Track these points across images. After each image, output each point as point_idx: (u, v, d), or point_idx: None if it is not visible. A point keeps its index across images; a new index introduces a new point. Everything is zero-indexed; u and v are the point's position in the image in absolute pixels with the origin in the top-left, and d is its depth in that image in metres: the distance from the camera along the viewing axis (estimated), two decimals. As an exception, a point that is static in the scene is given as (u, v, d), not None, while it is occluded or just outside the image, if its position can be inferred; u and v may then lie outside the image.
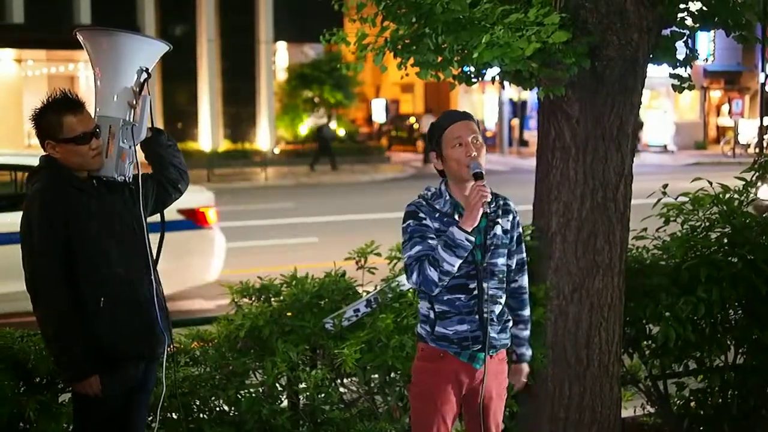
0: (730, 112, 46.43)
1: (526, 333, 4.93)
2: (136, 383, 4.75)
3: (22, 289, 4.54)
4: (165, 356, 4.84)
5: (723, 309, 6.57)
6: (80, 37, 4.78)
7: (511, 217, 4.71)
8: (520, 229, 4.81)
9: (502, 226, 4.64)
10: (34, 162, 4.77)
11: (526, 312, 4.91)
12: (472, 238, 4.39)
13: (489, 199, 4.41)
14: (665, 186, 6.81)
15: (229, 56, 37.74)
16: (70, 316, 4.45)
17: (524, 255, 4.84)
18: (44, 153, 4.66)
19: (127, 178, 4.72)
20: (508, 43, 5.08)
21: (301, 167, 35.60)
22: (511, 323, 4.78)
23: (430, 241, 4.45)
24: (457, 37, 5.25)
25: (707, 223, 6.80)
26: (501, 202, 4.69)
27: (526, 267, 4.87)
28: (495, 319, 4.62)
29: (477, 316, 4.55)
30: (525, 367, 4.99)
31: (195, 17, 37.07)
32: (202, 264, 11.95)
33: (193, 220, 11.62)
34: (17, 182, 11.03)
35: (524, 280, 4.86)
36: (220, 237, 12.34)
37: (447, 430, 4.67)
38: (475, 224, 4.39)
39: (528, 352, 4.97)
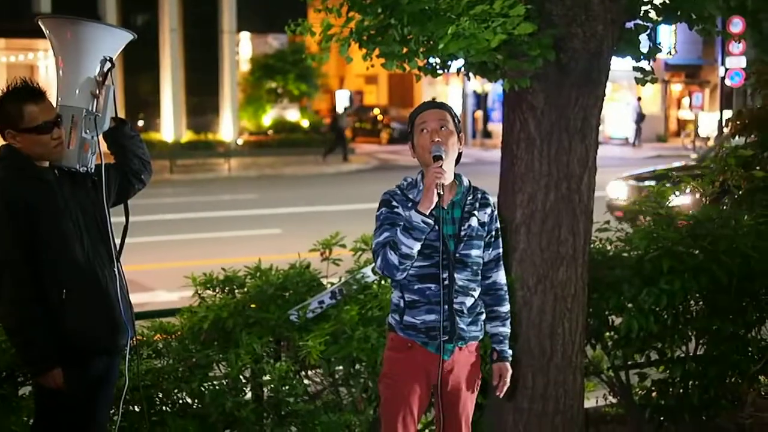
0: (690, 105, 46.80)
1: (504, 330, 4.80)
2: (98, 376, 4.70)
3: None
4: (128, 349, 4.81)
5: (685, 300, 6.62)
6: (42, 26, 4.72)
7: (489, 210, 4.67)
8: (498, 224, 4.75)
9: (479, 219, 4.61)
10: None
11: (504, 308, 4.79)
12: (429, 221, 4.36)
13: (443, 181, 4.39)
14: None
15: (192, 46, 37.54)
16: (32, 308, 4.41)
17: (500, 250, 4.77)
18: (4, 143, 4.60)
19: (89, 169, 4.67)
20: (474, 35, 5.08)
21: (265, 158, 35.49)
22: (483, 316, 4.72)
23: (398, 228, 4.45)
24: (423, 28, 5.23)
25: (669, 216, 6.85)
26: (479, 195, 4.66)
27: (501, 262, 4.79)
28: (465, 311, 4.59)
29: (446, 306, 4.54)
30: (507, 366, 4.80)
31: (157, 6, 36.83)
32: None
33: None
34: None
35: (499, 276, 4.78)
36: None
37: (414, 420, 4.66)
38: (431, 206, 4.35)
39: (509, 351, 4.83)
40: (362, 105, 53.39)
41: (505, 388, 4.83)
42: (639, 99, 45.27)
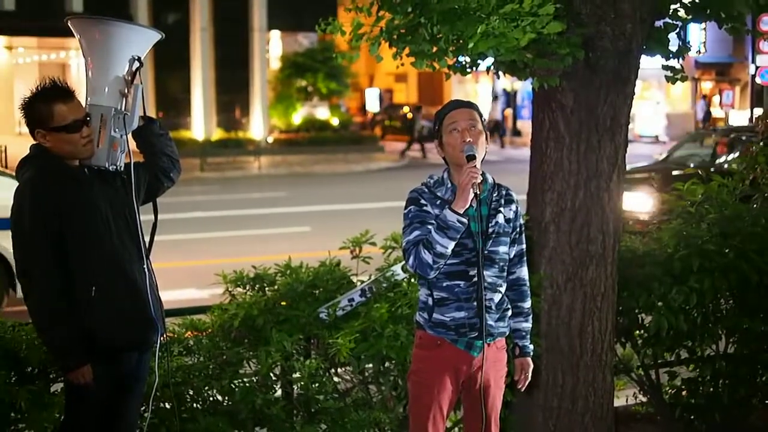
0: (720, 103, 46.50)
1: (527, 325, 4.87)
2: (128, 373, 4.73)
3: None
4: (158, 345, 4.84)
5: (714, 299, 6.60)
6: (72, 26, 4.76)
7: (514, 207, 4.71)
8: (521, 220, 4.79)
9: (504, 215, 4.64)
10: None
11: (526, 304, 4.86)
12: (464, 220, 4.39)
13: (479, 180, 4.42)
14: (656, 177, 6.83)
15: (222, 45, 37.63)
16: (62, 305, 4.45)
17: (524, 246, 4.81)
18: (34, 142, 4.63)
19: (118, 168, 4.70)
20: (504, 34, 5.09)
21: (295, 156, 35.53)
22: (510, 312, 4.76)
23: (429, 227, 4.46)
24: (453, 27, 5.24)
25: (699, 214, 6.84)
26: (504, 192, 4.69)
27: (525, 258, 4.84)
28: (494, 307, 4.62)
29: (475, 303, 4.56)
30: (529, 362, 4.89)
31: (188, 5, 36.95)
32: None
33: None
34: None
35: (523, 272, 4.83)
36: None
37: (443, 418, 4.67)
38: (467, 205, 4.39)
39: (530, 345, 4.91)
40: (392, 103, 53.36)
41: (527, 383, 4.90)
42: (705, 97, 45.06)
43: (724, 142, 17.85)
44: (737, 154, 16.87)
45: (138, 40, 4.77)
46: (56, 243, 4.47)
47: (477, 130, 4.54)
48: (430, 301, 4.62)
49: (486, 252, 4.57)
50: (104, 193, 4.65)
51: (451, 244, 4.42)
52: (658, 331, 6.39)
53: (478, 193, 4.44)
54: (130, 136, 4.76)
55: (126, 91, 4.68)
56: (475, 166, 4.42)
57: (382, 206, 20.00)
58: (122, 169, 4.73)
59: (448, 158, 4.61)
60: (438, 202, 4.53)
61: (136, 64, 4.70)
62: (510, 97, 46.94)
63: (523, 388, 4.94)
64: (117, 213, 4.67)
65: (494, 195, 4.64)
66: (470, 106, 4.66)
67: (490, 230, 4.59)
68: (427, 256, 4.42)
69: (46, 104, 4.54)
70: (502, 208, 4.64)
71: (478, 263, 4.54)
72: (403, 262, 5.35)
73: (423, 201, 4.55)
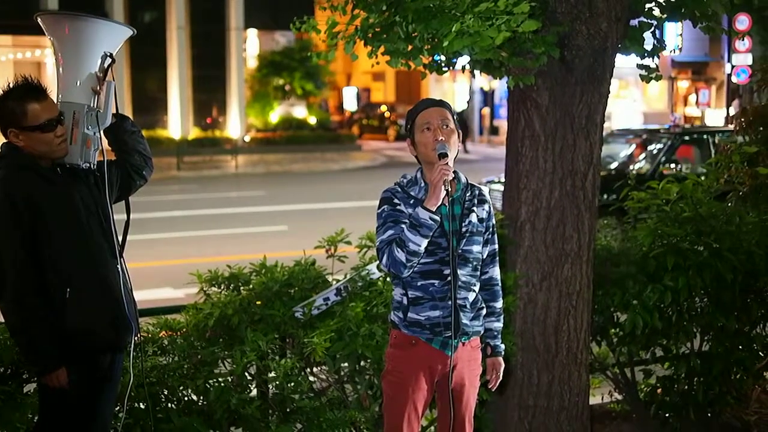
0: (697, 102, 46.70)
1: (498, 325, 4.89)
2: (103, 373, 4.68)
3: None
4: (132, 345, 4.80)
5: (689, 297, 6.61)
6: (42, 22, 4.71)
7: (487, 206, 4.71)
8: (494, 220, 4.80)
9: (477, 215, 4.64)
10: None
11: (498, 304, 4.87)
12: (437, 217, 4.39)
13: (450, 178, 4.42)
14: (633, 176, 6.84)
15: (199, 43, 37.63)
16: (35, 306, 4.40)
17: (496, 246, 4.82)
18: (5, 141, 4.57)
19: (92, 165, 4.66)
20: (478, 32, 5.08)
21: (272, 155, 35.51)
22: (484, 311, 4.77)
23: (402, 226, 4.45)
24: (428, 25, 5.24)
25: (674, 213, 6.86)
26: (477, 192, 4.69)
27: (497, 258, 4.86)
28: (468, 306, 4.62)
29: (450, 302, 4.55)
30: (500, 361, 4.91)
31: (164, 4, 36.90)
32: None
33: None
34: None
35: (495, 271, 4.84)
36: None
37: (417, 417, 4.67)
38: (439, 203, 4.38)
39: (502, 345, 4.93)
40: (369, 102, 53.42)
41: (498, 383, 4.90)
42: (738, 97, 45.44)
43: (639, 143, 17.78)
44: (647, 155, 16.92)
45: (109, 36, 4.72)
46: (30, 243, 4.42)
47: (449, 129, 4.55)
48: (405, 301, 4.61)
49: (460, 251, 4.57)
50: (77, 192, 4.60)
51: (424, 242, 4.41)
52: (633, 330, 6.41)
53: (450, 190, 4.43)
54: (102, 133, 4.72)
55: (98, 87, 4.63)
56: (447, 163, 4.42)
57: (360, 205, 20.00)
58: (95, 167, 4.69)
59: (420, 157, 4.61)
60: (411, 201, 4.53)
61: (108, 61, 4.65)
62: (487, 96, 47.04)
63: (494, 388, 4.95)
64: (90, 211, 4.62)
65: (467, 194, 4.64)
66: (442, 104, 4.66)
67: (464, 229, 4.59)
68: (401, 255, 4.41)
69: (18, 103, 4.47)
70: (475, 208, 4.64)
71: (452, 262, 4.54)
72: (378, 261, 5.34)
73: (396, 200, 4.55)
